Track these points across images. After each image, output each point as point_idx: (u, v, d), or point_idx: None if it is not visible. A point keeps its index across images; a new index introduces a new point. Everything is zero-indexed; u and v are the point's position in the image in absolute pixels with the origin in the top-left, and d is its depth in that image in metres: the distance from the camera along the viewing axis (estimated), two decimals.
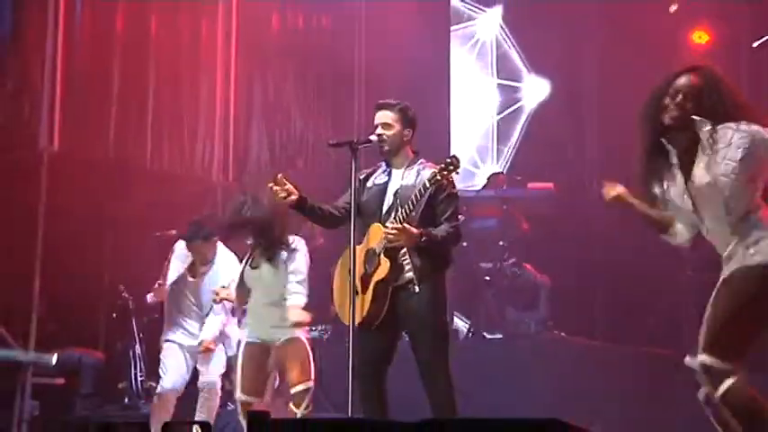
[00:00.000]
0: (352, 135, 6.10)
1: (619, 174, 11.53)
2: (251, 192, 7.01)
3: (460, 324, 10.92)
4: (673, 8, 11.89)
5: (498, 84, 13.49)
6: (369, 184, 5.91)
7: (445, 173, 5.60)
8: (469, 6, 13.61)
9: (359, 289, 5.68)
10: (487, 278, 10.45)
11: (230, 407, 9.41)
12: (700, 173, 4.46)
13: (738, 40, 11.64)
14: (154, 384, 9.82)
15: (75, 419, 8.61)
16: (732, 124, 4.36)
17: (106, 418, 8.95)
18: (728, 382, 4.21)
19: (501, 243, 10.38)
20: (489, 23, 13.55)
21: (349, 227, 5.70)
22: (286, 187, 5.85)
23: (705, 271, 11.24)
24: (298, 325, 6.73)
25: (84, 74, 10.58)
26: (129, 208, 9.95)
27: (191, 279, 8.06)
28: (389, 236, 5.56)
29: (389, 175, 5.92)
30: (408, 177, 5.83)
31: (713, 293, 4.50)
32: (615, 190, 5.00)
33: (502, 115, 13.49)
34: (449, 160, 5.63)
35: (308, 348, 6.88)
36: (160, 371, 8.01)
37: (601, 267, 11.94)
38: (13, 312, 9.42)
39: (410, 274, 5.69)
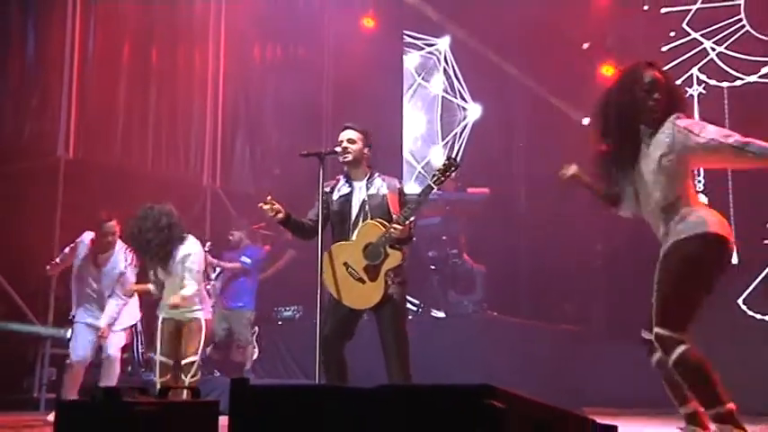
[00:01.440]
0: (320, 147, 6.09)
1: (541, 182, 11.72)
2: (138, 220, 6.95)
3: (410, 304, 10.95)
4: (585, 46, 11.96)
5: (444, 104, 13.49)
6: (335, 195, 5.85)
7: (448, 174, 5.65)
8: (421, 38, 13.61)
9: (365, 278, 5.62)
10: (433, 267, 10.48)
11: (217, 374, 9.46)
12: (643, 163, 4.40)
13: None
14: (152, 355, 9.82)
15: (85, 384, 8.53)
16: (676, 120, 4.31)
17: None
18: (679, 350, 4.15)
19: (444, 238, 10.43)
20: (438, 52, 13.54)
21: (320, 228, 5.72)
22: (275, 207, 5.78)
23: (611, 262, 11.45)
24: (174, 306, 6.79)
25: (96, 93, 10.53)
26: (132, 206, 9.87)
27: (93, 268, 7.96)
28: (396, 231, 5.55)
29: (351, 186, 5.89)
30: (372, 188, 5.83)
31: (655, 273, 4.39)
32: (570, 170, 4.92)
33: (449, 132, 13.51)
34: (448, 162, 5.68)
35: (203, 327, 6.92)
36: (70, 346, 7.92)
37: (526, 258, 12.02)
38: (34, 295, 9.38)
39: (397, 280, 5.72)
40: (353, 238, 5.74)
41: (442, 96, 13.58)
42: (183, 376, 6.76)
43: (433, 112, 13.78)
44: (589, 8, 11.89)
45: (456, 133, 13.28)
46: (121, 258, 7.92)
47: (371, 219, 5.71)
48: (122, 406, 3.50)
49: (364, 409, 2.62)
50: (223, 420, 3.19)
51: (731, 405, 4.07)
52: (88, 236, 8.00)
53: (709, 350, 4.28)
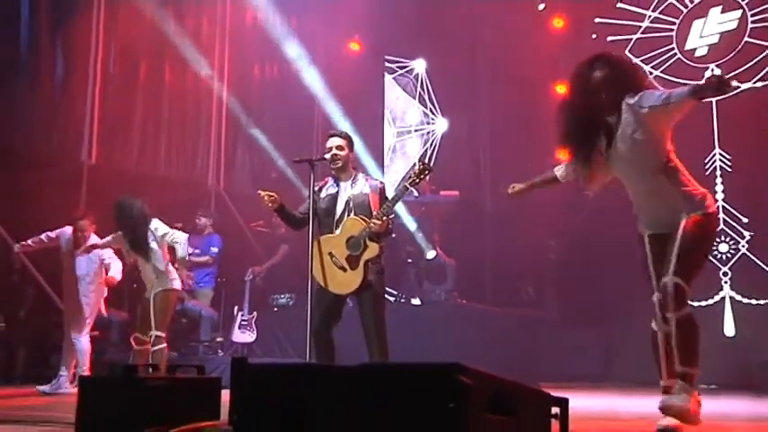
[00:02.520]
0: (311, 155, 6.11)
1: (504, 186, 11.72)
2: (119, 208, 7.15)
3: (390, 294, 10.96)
4: (541, 6, 12.00)
5: (420, 117, 13.49)
6: (323, 194, 5.83)
7: (422, 176, 5.71)
8: (398, 60, 13.63)
9: (347, 266, 5.62)
10: (410, 260, 10.50)
11: (221, 354, 9.44)
12: (618, 146, 4.22)
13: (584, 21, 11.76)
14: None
15: (106, 362, 8.50)
16: (628, 99, 4.14)
17: (129, 360, 8.87)
18: (687, 308, 3.99)
19: (419, 234, 10.45)
20: (414, 72, 13.55)
21: (311, 225, 5.73)
22: (272, 196, 5.83)
23: (563, 255, 11.51)
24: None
25: (115, 106, 10.56)
26: (147, 205, 9.84)
27: (72, 259, 8.00)
28: (375, 225, 5.56)
29: (338, 186, 5.89)
30: (356, 188, 5.81)
31: (676, 241, 4.06)
32: (514, 188, 5.00)
33: (424, 141, 13.52)
34: (422, 166, 5.74)
35: (169, 301, 7.13)
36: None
37: (490, 252, 12.02)
38: (61, 285, 9.33)
39: (376, 268, 5.71)
40: (338, 231, 5.73)
41: (418, 111, 13.55)
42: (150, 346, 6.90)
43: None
44: (543, 38, 11.93)
45: (428, 144, 13.26)
46: (95, 256, 7.95)
47: (354, 215, 5.71)
48: (137, 381, 3.51)
49: (349, 385, 2.63)
50: (225, 394, 3.18)
51: (699, 370, 4.06)
52: (69, 230, 8.01)
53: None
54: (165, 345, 6.99)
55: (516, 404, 2.66)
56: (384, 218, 5.60)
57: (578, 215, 10.95)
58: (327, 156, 5.86)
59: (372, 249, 5.63)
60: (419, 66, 13.39)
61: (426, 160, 12.26)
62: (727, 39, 10.11)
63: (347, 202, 5.80)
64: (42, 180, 9.23)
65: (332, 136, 5.97)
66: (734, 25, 10.10)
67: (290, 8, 12.71)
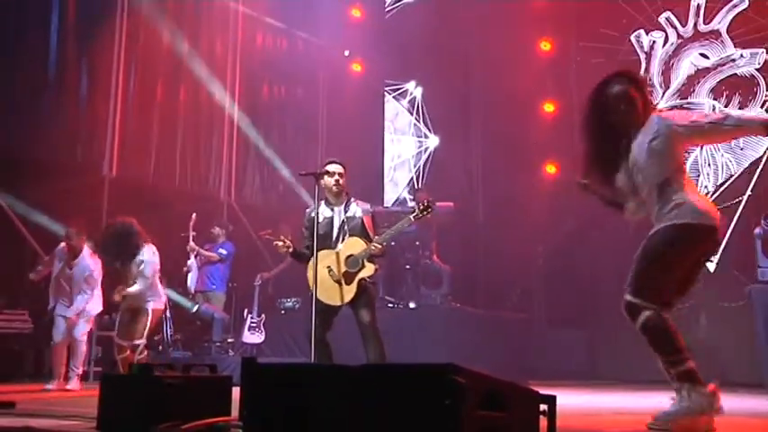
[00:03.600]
0: (315, 168, 6.15)
1: (495, 197, 11.74)
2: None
3: (388, 298, 10.93)
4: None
5: (415, 135, 13.51)
6: (320, 219, 5.88)
7: (425, 213, 5.82)
8: (393, 83, 13.66)
9: (343, 281, 5.73)
10: (408, 267, 10.47)
11: (231, 354, 9.42)
12: (632, 157, 3.96)
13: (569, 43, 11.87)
14: (179, 336, 9.81)
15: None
16: (653, 117, 3.95)
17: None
18: (645, 315, 3.74)
19: (417, 243, 10.42)
20: (410, 93, 13.57)
21: (315, 239, 5.80)
22: (286, 243, 5.94)
23: (550, 261, 11.51)
24: (116, 300, 7.13)
25: (135, 122, 10.57)
26: (163, 216, 9.85)
27: (67, 270, 8.02)
28: (376, 249, 5.71)
29: (333, 210, 5.93)
30: (349, 212, 5.92)
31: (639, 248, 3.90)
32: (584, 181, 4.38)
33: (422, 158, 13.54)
34: (427, 203, 5.87)
35: (149, 316, 7.14)
36: (53, 331, 7.98)
37: (483, 259, 12.03)
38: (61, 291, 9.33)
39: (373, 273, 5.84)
40: (341, 248, 5.81)
41: (412, 128, 13.57)
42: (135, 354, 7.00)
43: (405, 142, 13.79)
44: (532, 60, 11.97)
45: (423, 159, 13.27)
46: (89, 262, 8.00)
47: (350, 236, 5.82)
48: (154, 379, 3.51)
49: (351, 384, 2.63)
50: (236, 392, 3.18)
51: (691, 364, 3.73)
52: (62, 245, 8.08)
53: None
54: (146, 353, 7.19)
55: (507, 402, 2.66)
56: (383, 243, 5.76)
57: (564, 224, 10.98)
58: (331, 180, 5.88)
59: (369, 269, 5.78)
60: (416, 88, 13.42)
61: (418, 185, 12.45)
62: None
63: (342, 225, 5.90)
64: (66, 191, 9.25)
65: (333, 162, 6.00)
66: None
67: (296, 31, 12.79)
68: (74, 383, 7.85)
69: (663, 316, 3.78)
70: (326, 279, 5.76)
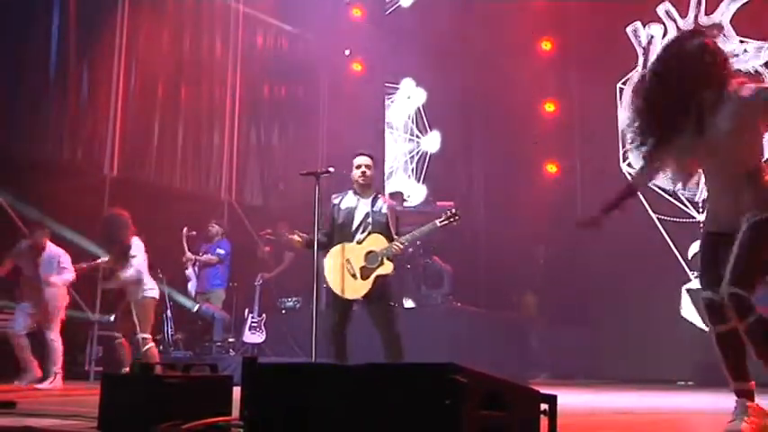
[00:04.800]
0: (316, 168, 6.17)
1: (496, 197, 11.70)
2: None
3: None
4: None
5: (416, 134, 13.49)
6: (342, 206, 5.91)
7: (451, 220, 5.87)
8: (394, 82, 13.65)
9: (359, 275, 5.72)
10: (408, 266, 10.46)
11: (232, 353, 9.42)
12: (710, 131, 3.48)
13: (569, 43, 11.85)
14: (180, 336, 9.82)
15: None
16: (729, 86, 3.48)
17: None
18: (753, 315, 3.29)
19: (417, 242, 10.40)
20: (408, 94, 13.56)
21: (315, 234, 5.78)
22: (301, 235, 5.95)
23: (551, 261, 11.50)
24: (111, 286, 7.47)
25: (136, 122, 10.61)
26: (163, 216, 9.86)
27: (32, 266, 8.07)
28: (397, 249, 5.72)
29: (358, 201, 5.92)
30: (376, 206, 5.90)
31: (737, 240, 3.40)
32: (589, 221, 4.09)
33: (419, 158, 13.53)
34: (453, 212, 5.93)
35: (152, 305, 7.31)
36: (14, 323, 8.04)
37: (484, 259, 12.02)
38: (86, 290, 9.33)
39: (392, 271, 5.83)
40: (363, 243, 5.80)
41: (413, 128, 13.56)
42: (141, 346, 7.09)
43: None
44: (533, 60, 11.96)
45: (423, 159, 13.27)
46: (54, 260, 8.04)
47: (372, 231, 5.80)
48: (155, 378, 3.50)
49: (351, 384, 2.63)
50: (236, 391, 3.18)
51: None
52: (25, 242, 8.13)
53: None
54: (152, 344, 7.21)
55: (508, 401, 2.66)
56: (405, 244, 5.80)
57: (565, 224, 10.97)
58: (357, 172, 5.89)
59: (387, 267, 5.76)
60: (416, 88, 13.41)
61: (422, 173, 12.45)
62: None
63: (365, 217, 5.86)
64: (68, 191, 9.25)
65: (361, 155, 6.02)
66: None
67: (297, 31, 12.78)
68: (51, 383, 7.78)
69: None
70: (341, 271, 5.75)
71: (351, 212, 5.87)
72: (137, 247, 7.26)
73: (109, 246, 7.32)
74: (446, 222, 5.86)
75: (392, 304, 5.82)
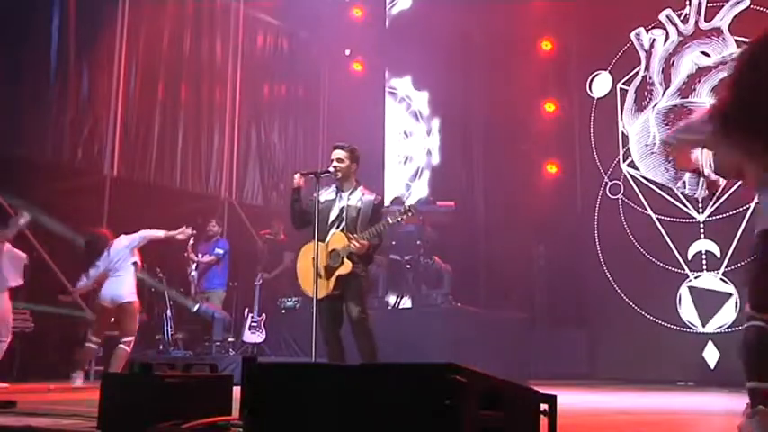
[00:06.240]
0: (316, 167, 6.15)
1: (496, 197, 11.70)
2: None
3: (390, 297, 10.93)
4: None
5: (416, 134, 13.49)
6: (321, 199, 5.82)
7: (404, 217, 5.75)
8: (394, 82, 13.65)
9: (323, 275, 5.64)
10: (408, 266, 10.45)
11: (232, 353, 9.42)
12: None
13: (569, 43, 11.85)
14: (180, 336, 9.82)
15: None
16: None
17: (146, 358, 8.86)
18: None
19: (418, 242, 10.40)
20: (409, 93, 13.56)
21: (316, 233, 5.74)
22: (302, 180, 5.96)
23: (551, 261, 11.50)
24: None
25: (136, 122, 10.59)
26: (163, 216, 9.86)
27: None
28: (355, 247, 5.59)
29: (337, 194, 5.86)
30: (352, 199, 5.81)
31: None
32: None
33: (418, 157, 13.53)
34: (408, 208, 5.84)
35: (135, 309, 7.91)
36: None
37: (484, 259, 12.01)
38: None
39: (358, 270, 5.70)
40: (327, 240, 5.73)
41: (413, 128, 13.55)
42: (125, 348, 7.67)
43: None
44: (533, 60, 11.97)
45: (423, 159, 13.27)
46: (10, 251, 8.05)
47: (347, 225, 5.73)
48: (155, 378, 3.50)
49: (351, 383, 2.63)
50: (236, 391, 3.18)
51: None
52: None
53: None
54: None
55: (507, 401, 2.65)
56: (364, 241, 5.63)
57: (565, 225, 10.98)
58: (331, 168, 5.87)
59: (346, 267, 5.65)
60: (416, 87, 13.42)
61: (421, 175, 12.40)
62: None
63: (340, 212, 5.81)
64: (69, 191, 9.26)
65: (335, 148, 5.98)
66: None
67: (297, 31, 12.78)
68: None
69: None
70: (309, 269, 5.68)
71: (328, 207, 5.81)
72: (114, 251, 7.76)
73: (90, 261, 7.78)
74: (399, 220, 5.74)
75: (356, 305, 5.63)
